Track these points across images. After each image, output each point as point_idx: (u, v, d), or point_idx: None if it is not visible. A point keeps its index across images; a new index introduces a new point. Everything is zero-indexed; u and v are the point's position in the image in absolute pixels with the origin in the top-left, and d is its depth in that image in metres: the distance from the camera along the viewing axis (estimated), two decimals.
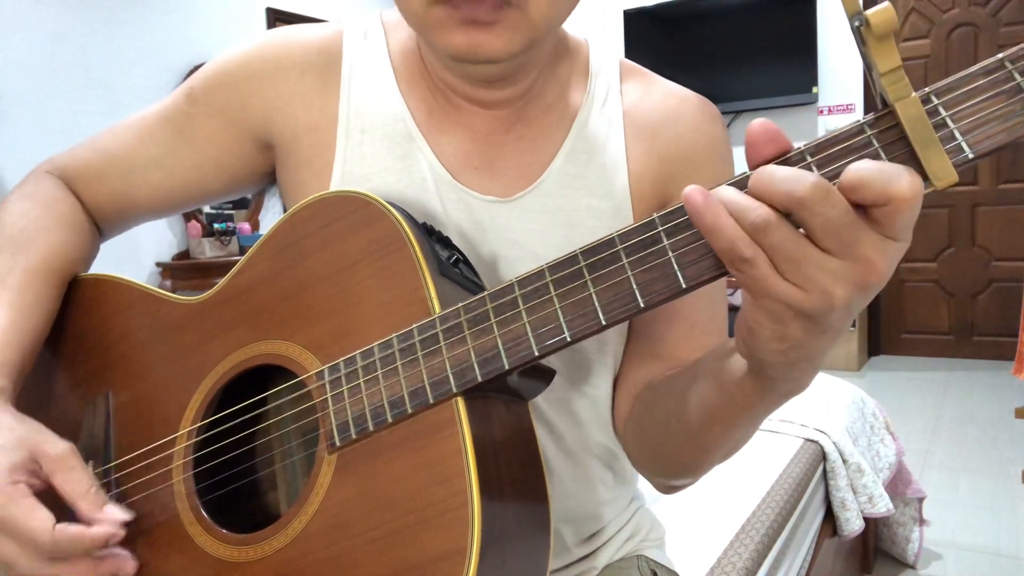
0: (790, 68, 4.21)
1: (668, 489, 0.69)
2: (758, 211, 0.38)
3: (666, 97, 0.69)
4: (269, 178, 0.75)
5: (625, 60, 0.73)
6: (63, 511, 0.53)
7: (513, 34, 0.56)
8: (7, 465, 0.52)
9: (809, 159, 0.40)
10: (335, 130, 0.67)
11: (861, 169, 0.36)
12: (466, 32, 0.55)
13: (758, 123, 0.40)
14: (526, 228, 0.65)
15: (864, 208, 0.37)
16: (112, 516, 0.53)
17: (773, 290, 0.39)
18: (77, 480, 0.54)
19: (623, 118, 0.68)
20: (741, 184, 0.41)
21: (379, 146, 0.66)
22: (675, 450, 0.61)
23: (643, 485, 0.84)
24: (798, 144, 0.41)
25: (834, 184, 0.38)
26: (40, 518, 0.51)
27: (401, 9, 0.59)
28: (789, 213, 0.38)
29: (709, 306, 0.68)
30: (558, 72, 0.69)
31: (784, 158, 0.41)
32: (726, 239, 0.39)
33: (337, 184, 0.66)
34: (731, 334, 0.59)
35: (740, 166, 0.44)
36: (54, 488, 0.54)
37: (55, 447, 0.54)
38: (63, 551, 0.51)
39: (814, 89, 4.15)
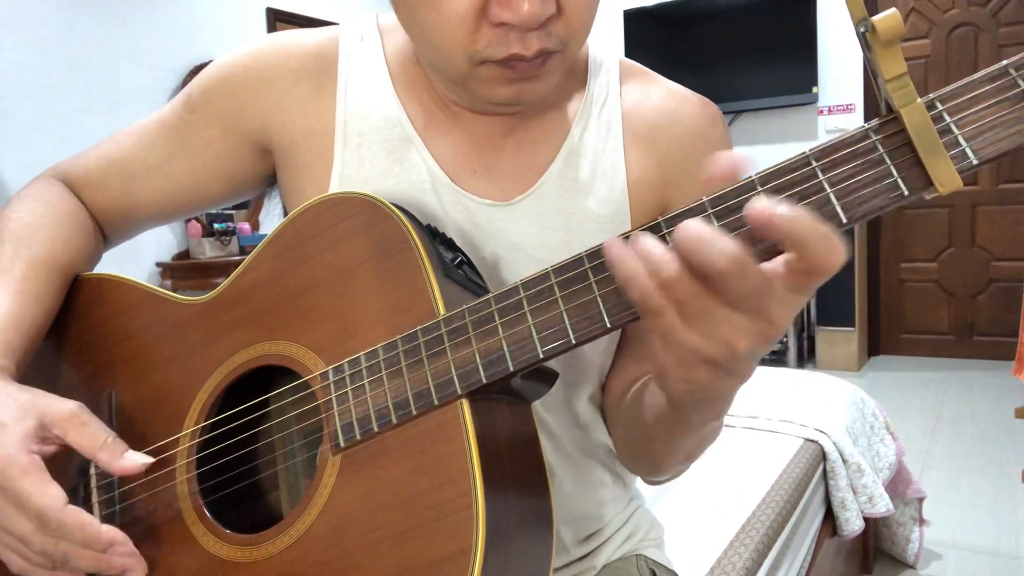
0: (790, 68, 4.21)
1: (651, 482, 0.71)
2: (669, 267, 0.38)
3: (666, 98, 0.69)
4: (268, 182, 0.75)
5: (626, 60, 0.72)
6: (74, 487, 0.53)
7: (553, 75, 0.58)
8: (21, 435, 0.52)
9: (814, 163, 0.40)
10: (333, 135, 0.67)
11: (809, 230, 0.35)
12: (513, 85, 0.57)
13: (723, 159, 0.41)
14: (525, 231, 0.66)
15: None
16: (135, 461, 0.54)
17: (679, 338, 0.40)
18: (92, 434, 0.54)
19: (622, 120, 0.68)
20: (768, 179, 0.41)
21: (377, 150, 0.66)
22: (642, 451, 0.65)
23: (642, 484, 0.84)
24: (801, 147, 0.41)
25: (840, 187, 0.38)
26: (51, 494, 0.51)
27: (435, 62, 0.60)
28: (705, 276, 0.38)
29: None
30: None
31: (789, 163, 0.41)
32: (638, 291, 0.39)
33: (336, 188, 0.66)
34: None
35: None
36: (69, 447, 0.54)
37: (63, 406, 0.54)
38: (67, 533, 0.51)
39: (814, 89, 4.15)
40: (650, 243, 0.39)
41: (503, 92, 0.57)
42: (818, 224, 0.35)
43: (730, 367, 0.40)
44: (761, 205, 0.36)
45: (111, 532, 0.52)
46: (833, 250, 0.36)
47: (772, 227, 0.36)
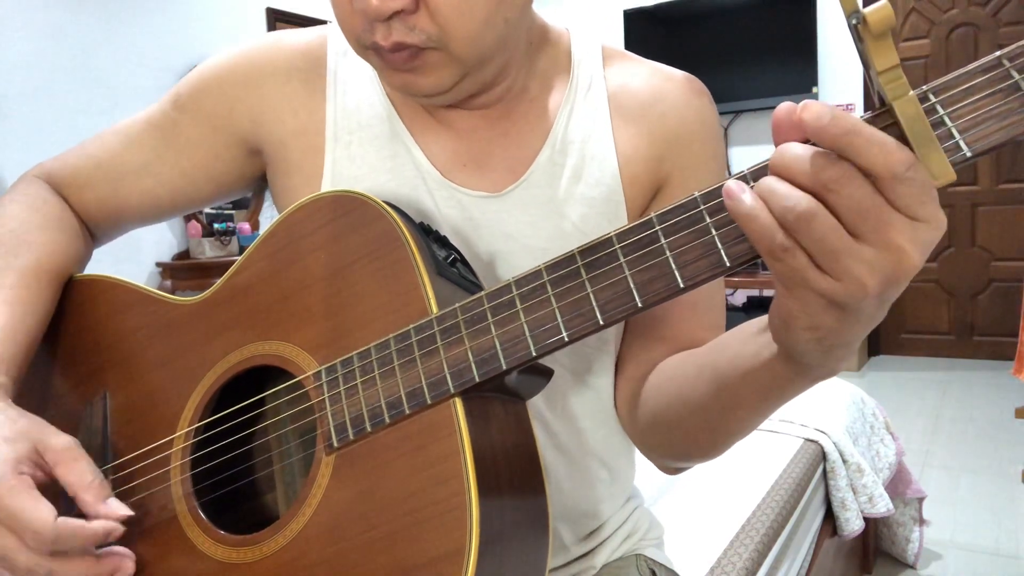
0: (790, 68, 4.20)
1: (674, 470, 0.69)
2: (800, 201, 0.37)
3: (651, 77, 0.69)
4: (258, 183, 0.75)
5: (607, 45, 0.72)
6: (66, 508, 0.53)
7: (441, 72, 0.57)
8: (12, 457, 0.52)
9: None
10: (323, 133, 0.67)
11: (865, 135, 0.36)
12: (397, 74, 0.57)
13: (783, 106, 0.40)
14: (518, 221, 0.66)
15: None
16: (114, 509, 0.54)
17: (809, 281, 0.39)
18: (80, 472, 0.54)
19: (608, 103, 0.68)
20: (760, 173, 0.41)
21: (368, 147, 0.67)
22: (691, 434, 0.61)
23: (641, 484, 0.84)
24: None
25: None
26: (42, 511, 0.51)
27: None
28: (814, 194, 0.37)
29: (707, 285, 0.68)
30: (539, 64, 0.69)
31: None
32: (759, 228, 0.38)
33: (328, 187, 0.66)
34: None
35: (738, 165, 0.44)
36: (56, 479, 0.54)
37: (58, 439, 0.54)
38: (63, 544, 0.51)
39: (814, 89, 4.15)
40: (774, 180, 0.38)
41: (392, 80, 0.58)
42: (871, 133, 0.36)
43: (858, 310, 0.39)
44: (815, 109, 0.36)
45: (104, 524, 0.53)
46: (886, 149, 0.36)
47: (826, 131, 0.36)
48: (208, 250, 3.41)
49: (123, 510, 0.54)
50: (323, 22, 4.04)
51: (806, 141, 0.39)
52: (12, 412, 0.55)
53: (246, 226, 3.63)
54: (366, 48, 0.56)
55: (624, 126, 0.68)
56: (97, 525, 0.52)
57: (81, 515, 0.54)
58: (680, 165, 0.68)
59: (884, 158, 0.36)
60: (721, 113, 4.35)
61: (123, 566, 0.55)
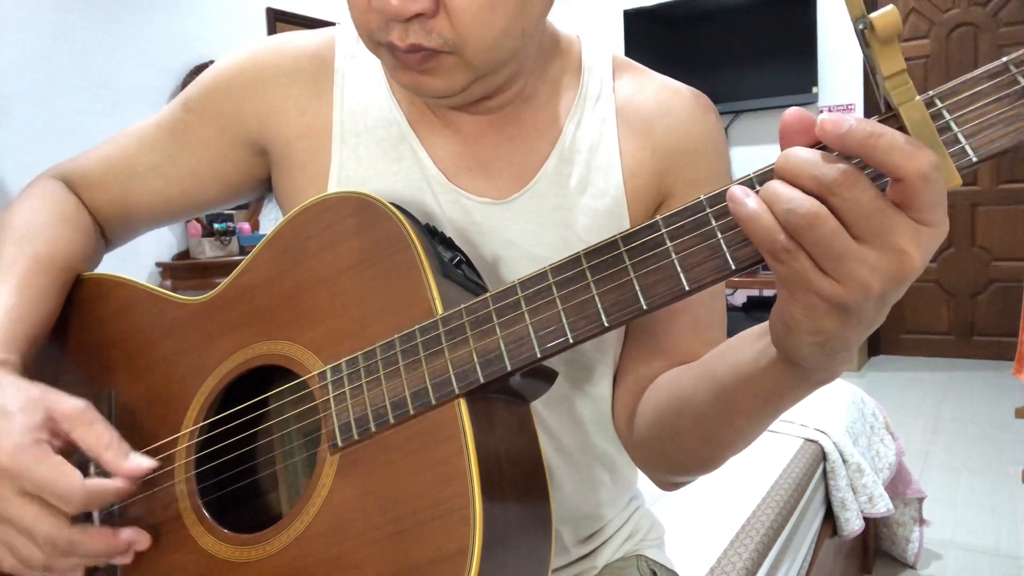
0: (790, 68, 4.20)
1: (671, 486, 0.69)
2: (804, 204, 0.37)
3: (659, 91, 0.69)
4: (267, 185, 0.75)
5: (618, 55, 0.72)
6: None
7: (453, 76, 0.57)
8: (28, 425, 0.52)
9: None
10: (330, 135, 0.68)
11: (885, 141, 0.36)
12: (407, 73, 0.57)
13: (792, 111, 0.40)
14: (522, 229, 0.66)
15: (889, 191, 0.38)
16: (139, 463, 0.54)
17: (812, 283, 0.39)
18: (98, 433, 0.54)
19: (616, 114, 0.68)
20: (766, 177, 0.41)
21: (374, 149, 0.67)
22: (688, 446, 0.61)
23: (642, 484, 0.84)
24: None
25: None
26: (68, 473, 0.51)
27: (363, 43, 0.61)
28: (818, 197, 0.38)
29: (709, 300, 0.69)
30: (549, 72, 0.69)
31: None
32: (763, 230, 0.39)
33: (334, 188, 0.66)
34: (729, 335, 0.59)
35: (738, 165, 0.44)
36: (74, 444, 0.54)
37: (71, 403, 0.55)
38: (93, 504, 0.52)
39: (814, 89, 4.15)
40: (777, 184, 0.39)
41: (401, 78, 0.58)
42: (893, 135, 0.36)
43: (860, 312, 0.39)
44: (834, 118, 0.37)
45: (123, 483, 0.54)
46: (910, 155, 0.36)
47: (850, 135, 0.36)
48: (208, 250, 3.41)
49: (148, 462, 0.55)
50: (324, 22, 4.04)
51: (812, 146, 0.39)
52: (22, 383, 0.55)
53: (246, 226, 3.63)
54: (379, 45, 0.56)
55: (630, 138, 0.68)
56: (123, 483, 0.53)
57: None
58: (684, 180, 0.68)
59: (907, 160, 0.36)
60: (721, 113, 4.35)
61: (139, 540, 0.56)
